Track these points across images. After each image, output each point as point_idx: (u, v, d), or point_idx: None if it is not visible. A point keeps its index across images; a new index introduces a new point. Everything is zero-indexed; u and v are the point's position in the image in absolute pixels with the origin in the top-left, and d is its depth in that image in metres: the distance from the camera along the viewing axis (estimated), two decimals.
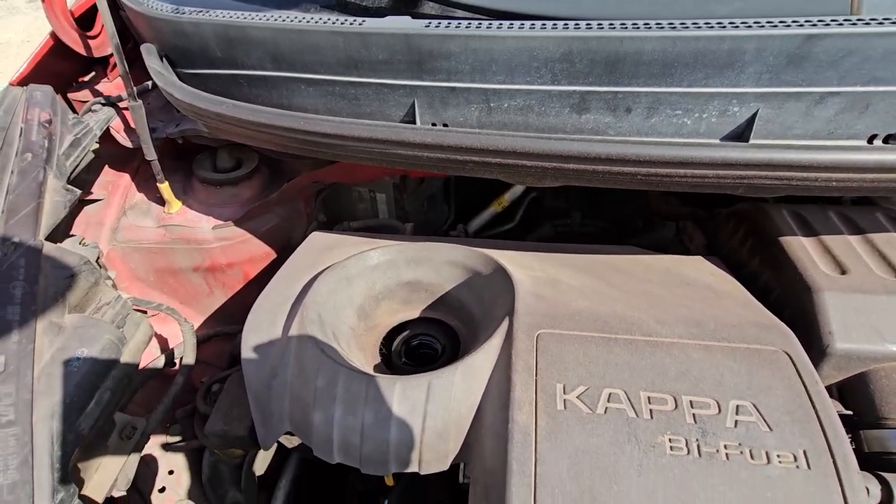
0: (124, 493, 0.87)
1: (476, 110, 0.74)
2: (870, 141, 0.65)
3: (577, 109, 0.70)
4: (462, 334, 0.81)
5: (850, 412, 0.60)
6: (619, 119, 0.69)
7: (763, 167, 0.55)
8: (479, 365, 0.60)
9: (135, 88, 0.95)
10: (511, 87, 0.70)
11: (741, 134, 0.67)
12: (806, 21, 0.59)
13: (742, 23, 0.60)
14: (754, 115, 0.65)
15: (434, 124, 0.76)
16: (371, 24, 0.71)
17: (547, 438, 0.51)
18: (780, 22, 0.59)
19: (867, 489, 0.50)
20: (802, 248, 0.70)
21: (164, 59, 0.92)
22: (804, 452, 0.47)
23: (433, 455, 0.57)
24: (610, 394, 0.54)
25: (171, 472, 1.02)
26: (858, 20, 0.58)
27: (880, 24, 0.57)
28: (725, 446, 0.49)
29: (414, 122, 0.75)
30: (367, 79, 0.76)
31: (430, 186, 1.27)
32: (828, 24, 0.58)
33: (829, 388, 0.64)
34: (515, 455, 0.50)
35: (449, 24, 0.69)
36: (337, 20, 0.73)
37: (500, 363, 0.60)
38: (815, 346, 0.61)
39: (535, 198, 1.40)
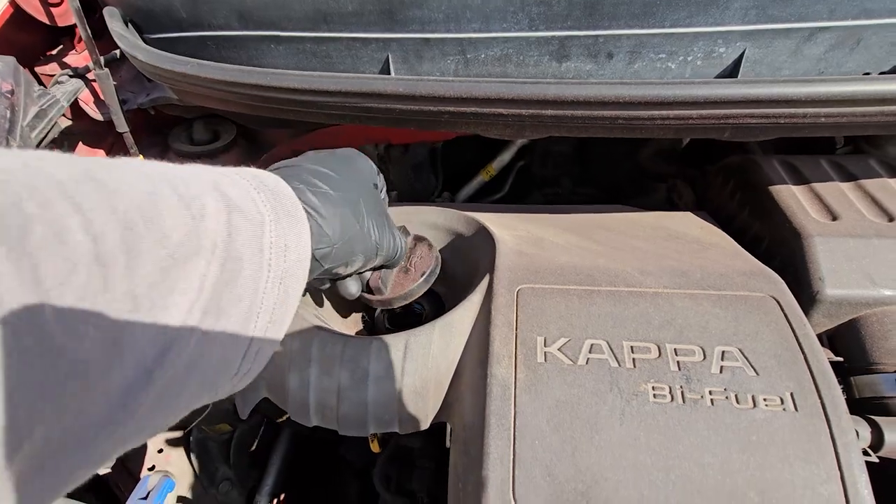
0: (109, 471, 0.86)
1: (452, 62, 0.71)
2: None
3: (557, 57, 0.67)
4: (447, 298, 0.80)
5: (840, 359, 0.58)
6: (601, 66, 0.66)
7: (747, 104, 0.52)
8: (458, 322, 0.59)
9: (101, 57, 0.91)
10: (487, 36, 0.67)
11: (728, 77, 0.64)
12: None
13: None
14: (741, 56, 0.62)
15: None
16: None
17: (526, 391, 0.49)
18: None
19: (857, 432, 0.49)
20: (793, 196, 0.68)
21: (129, 24, 0.88)
22: (791, 395, 0.46)
23: (412, 414, 0.56)
24: (592, 345, 0.52)
25: (160, 451, 1.01)
26: None
27: None
28: (710, 392, 0.47)
29: None
30: (338, 33, 0.72)
31: (415, 155, 1.24)
32: None
33: (819, 337, 0.62)
34: (494, 409, 0.48)
35: None
36: None
37: (480, 319, 0.58)
38: (805, 292, 0.60)
39: (524, 166, 1.37)
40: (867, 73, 0.62)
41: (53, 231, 0.23)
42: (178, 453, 1.03)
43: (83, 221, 0.24)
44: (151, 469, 1.00)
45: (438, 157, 1.34)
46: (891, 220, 0.62)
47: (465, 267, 0.75)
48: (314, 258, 0.43)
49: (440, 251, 0.81)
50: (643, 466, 0.44)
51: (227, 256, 0.32)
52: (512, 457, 0.46)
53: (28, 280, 0.21)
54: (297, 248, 0.39)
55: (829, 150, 0.93)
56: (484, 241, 0.71)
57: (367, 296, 0.61)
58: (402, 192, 1.24)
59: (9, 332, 0.20)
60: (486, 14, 0.65)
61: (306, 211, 0.42)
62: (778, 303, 0.53)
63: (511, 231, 0.75)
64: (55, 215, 0.23)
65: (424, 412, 0.56)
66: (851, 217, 0.63)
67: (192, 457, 1.01)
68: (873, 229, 0.61)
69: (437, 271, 0.64)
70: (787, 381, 0.47)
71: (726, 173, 0.82)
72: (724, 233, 0.70)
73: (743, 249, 0.65)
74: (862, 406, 0.55)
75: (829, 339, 0.61)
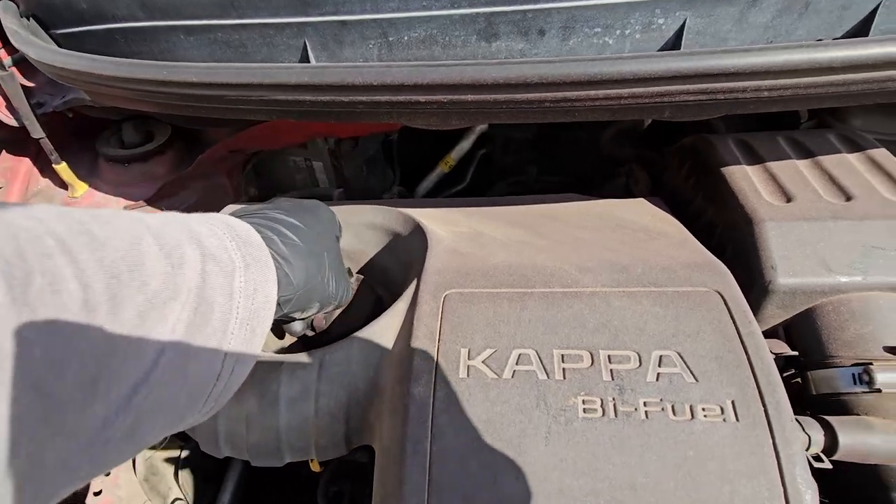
0: None
1: (374, 47, 0.64)
2: None
3: (486, 36, 0.61)
4: (387, 302, 0.74)
5: (795, 353, 0.54)
6: (533, 44, 0.61)
7: (679, 79, 0.47)
8: (379, 334, 0.53)
9: (8, 57, 0.83)
10: (407, 16, 0.61)
11: (670, 51, 0.58)
12: None
13: None
14: (682, 27, 0.56)
15: None
16: None
17: (445, 411, 0.44)
18: None
19: (809, 436, 0.45)
20: (746, 178, 0.63)
21: (30, 19, 0.80)
22: (732, 403, 0.41)
23: (329, 440, 0.51)
24: (520, 355, 0.47)
25: (107, 474, 0.96)
26: None
27: None
28: (645, 403, 0.42)
29: None
30: (248, 19, 0.65)
31: (365, 148, 1.17)
32: None
33: (775, 329, 0.58)
34: (409, 433, 0.43)
35: None
36: None
37: (403, 330, 0.53)
38: (758, 282, 0.55)
39: (485, 155, 1.32)
40: (820, 40, 0.57)
41: (50, 281, 0.26)
42: (127, 475, 0.97)
43: (76, 271, 0.27)
44: (98, 494, 0.95)
45: (394, 149, 1.28)
46: (848, 199, 0.58)
47: (402, 268, 0.70)
48: (277, 303, 0.45)
49: (378, 253, 0.76)
50: (569, 491, 0.39)
51: (200, 301, 0.35)
52: (427, 486, 0.41)
53: (25, 326, 0.24)
54: (264, 292, 0.42)
55: (794, 125, 0.89)
56: (419, 240, 0.66)
57: (308, 332, 0.61)
58: (356, 188, 1.18)
59: (4, 376, 0.23)
60: None
61: (275, 259, 0.44)
62: (722, 298, 0.48)
63: (453, 227, 0.69)
64: (53, 266, 0.26)
65: (343, 436, 0.51)
66: (807, 198, 0.59)
67: (140, 478, 0.96)
68: (829, 211, 0.57)
69: (376, 310, 0.65)
70: (729, 387, 0.42)
71: (681, 155, 0.77)
72: (675, 220, 0.66)
73: (693, 238, 0.60)
74: (819, 403, 0.51)
75: (785, 331, 0.57)
